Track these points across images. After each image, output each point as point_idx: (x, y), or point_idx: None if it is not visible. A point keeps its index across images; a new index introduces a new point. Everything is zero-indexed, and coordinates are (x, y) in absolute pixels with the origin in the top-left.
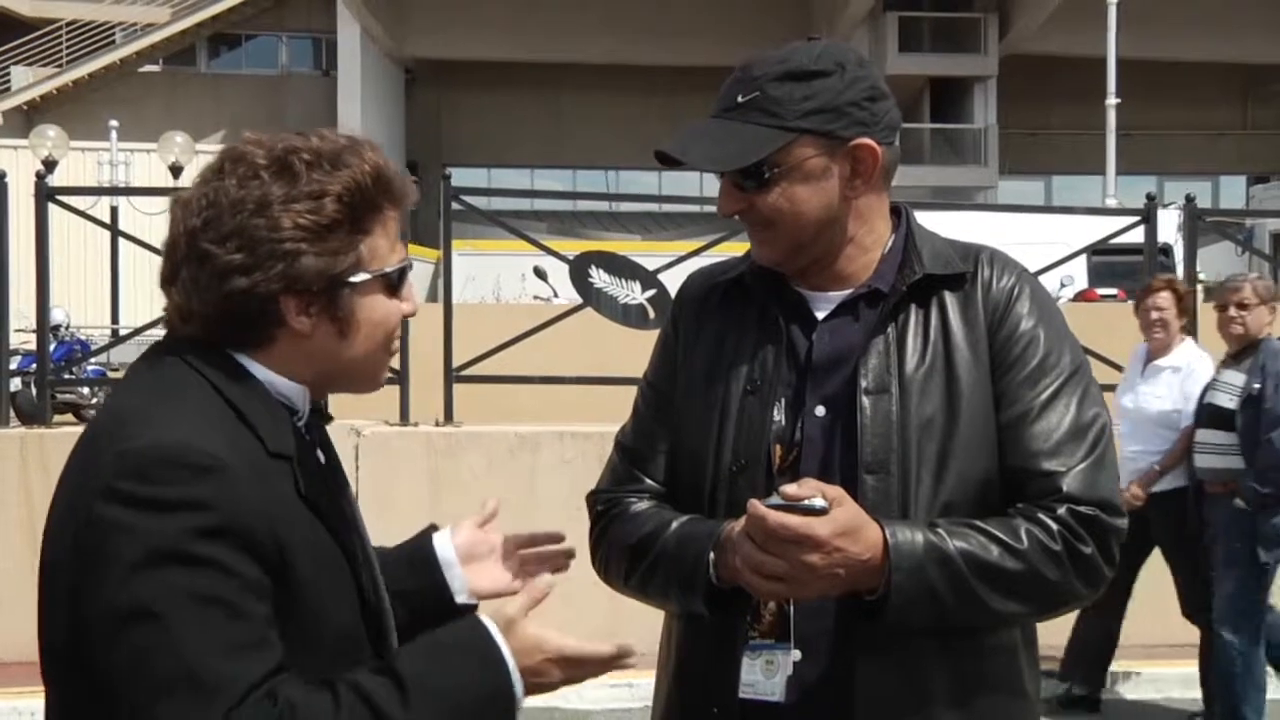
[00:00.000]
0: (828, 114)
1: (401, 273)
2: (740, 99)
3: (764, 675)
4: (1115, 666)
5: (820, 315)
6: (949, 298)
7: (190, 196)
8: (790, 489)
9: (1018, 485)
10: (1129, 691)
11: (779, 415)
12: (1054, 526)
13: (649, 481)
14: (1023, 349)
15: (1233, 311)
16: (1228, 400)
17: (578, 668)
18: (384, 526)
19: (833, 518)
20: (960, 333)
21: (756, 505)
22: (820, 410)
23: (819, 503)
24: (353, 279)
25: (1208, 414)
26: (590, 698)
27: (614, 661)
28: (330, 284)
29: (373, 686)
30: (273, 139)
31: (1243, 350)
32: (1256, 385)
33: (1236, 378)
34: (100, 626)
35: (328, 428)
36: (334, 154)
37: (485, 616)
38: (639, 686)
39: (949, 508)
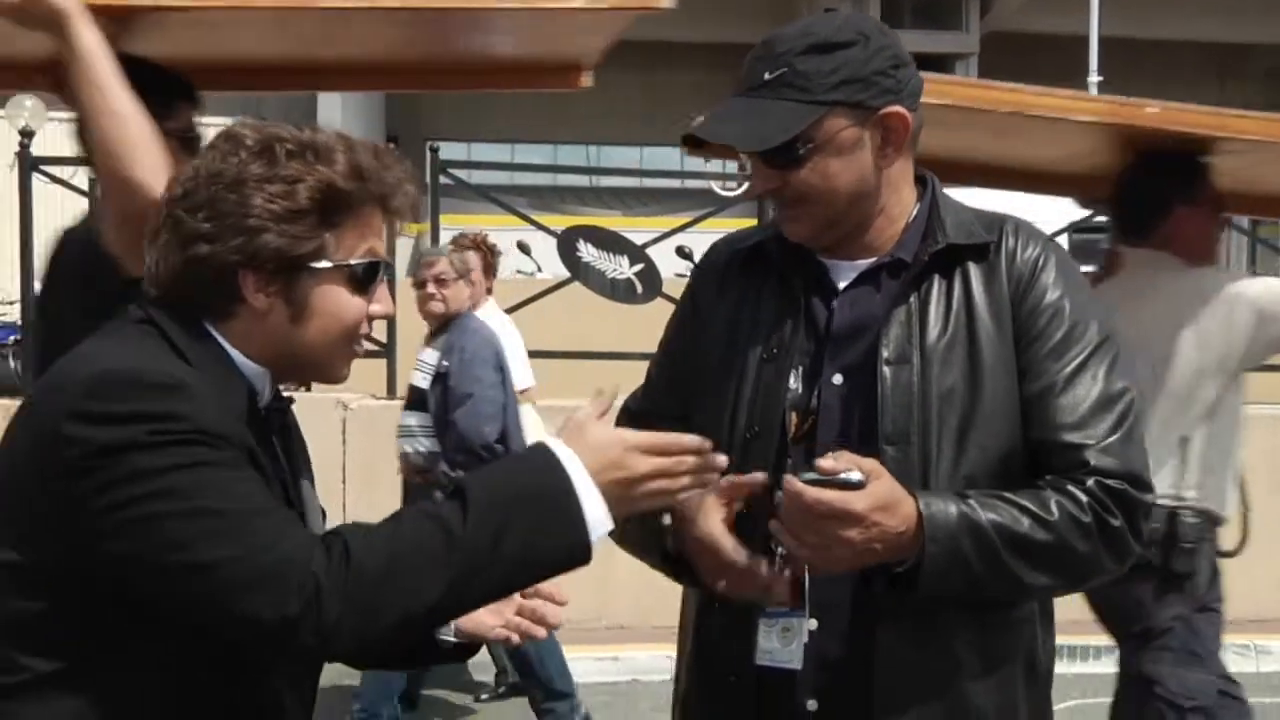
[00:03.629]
0: (856, 84)
1: (370, 269)
2: (767, 75)
3: (781, 643)
4: (1099, 640)
5: (841, 284)
6: (972, 268)
7: (184, 169)
8: (826, 462)
9: (1044, 457)
10: (1114, 665)
11: (795, 383)
12: (1083, 498)
13: None
14: (1048, 320)
15: (431, 289)
16: (423, 380)
17: (664, 455)
18: (370, 499)
19: (870, 491)
20: (983, 303)
21: (793, 481)
22: (838, 378)
23: (855, 476)
24: (312, 265)
25: (409, 395)
26: (577, 670)
27: (698, 453)
28: (288, 266)
29: (439, 507)
30: (268, 126)
31: (442, 327)
32: (445, 363)
33: (432, 356)
34: (137, 542)
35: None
36: (320, 148)
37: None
38: (625, 660)
39: (970, 480)
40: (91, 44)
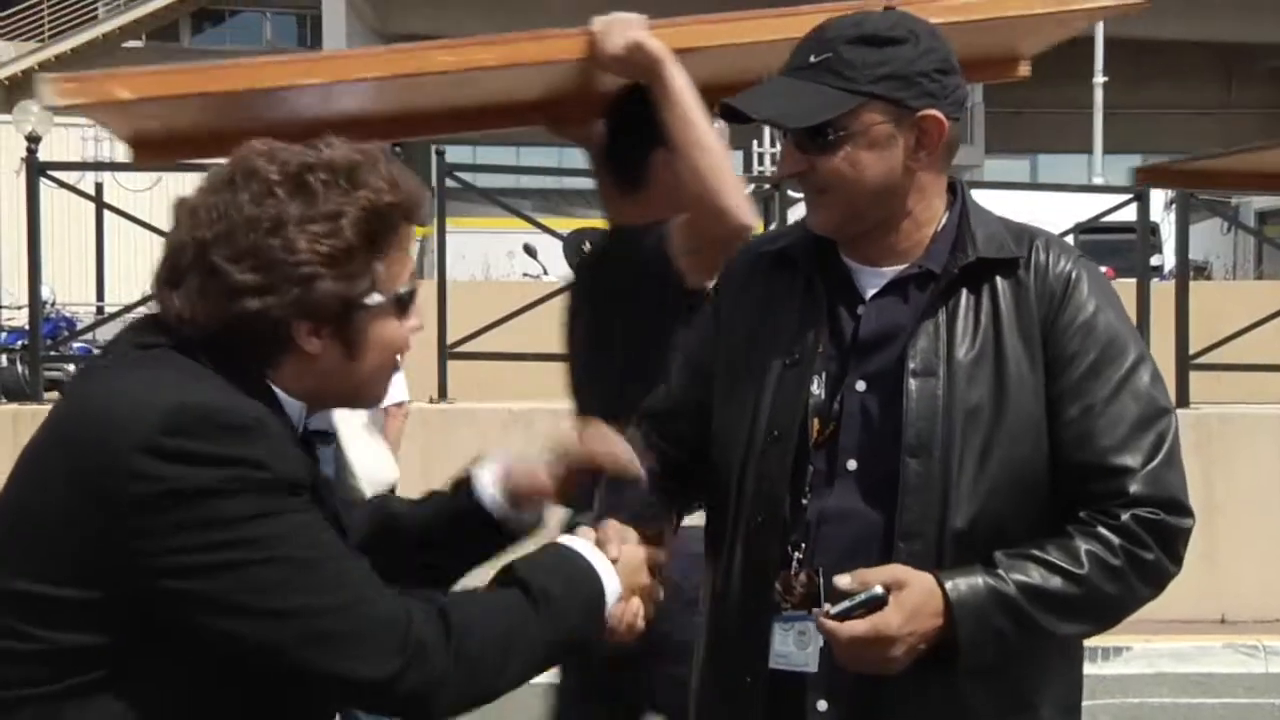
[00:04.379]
0: (898, 81)
1: (413, 293)
2: (812, 59)
3: (796, 646)
4: (1106, 641)
5: (868, 291)
6: (1001, 283)
7: (198, 204)
8: (843, 580)
9: (1083, 481)
10: (1120, 666)
11: (818, 389)
12: (1115, 541)
13: (655, 437)
14: (1083, 341)
15: None
16: None
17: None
18: None
19: (899, 604)
20: (1012, 320)
21: (824, 623)
22: (861, 385)
23: (878, 591)
24: (367, 302)
25: None
26: None
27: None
28: (345, 308)
29: (505, 588)
30: (284, 152)
31: None
32: None
33: None
34: (217, 588)
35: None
36: (350, 169)
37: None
38: None
39: (991, 496)
40: (683, 84)
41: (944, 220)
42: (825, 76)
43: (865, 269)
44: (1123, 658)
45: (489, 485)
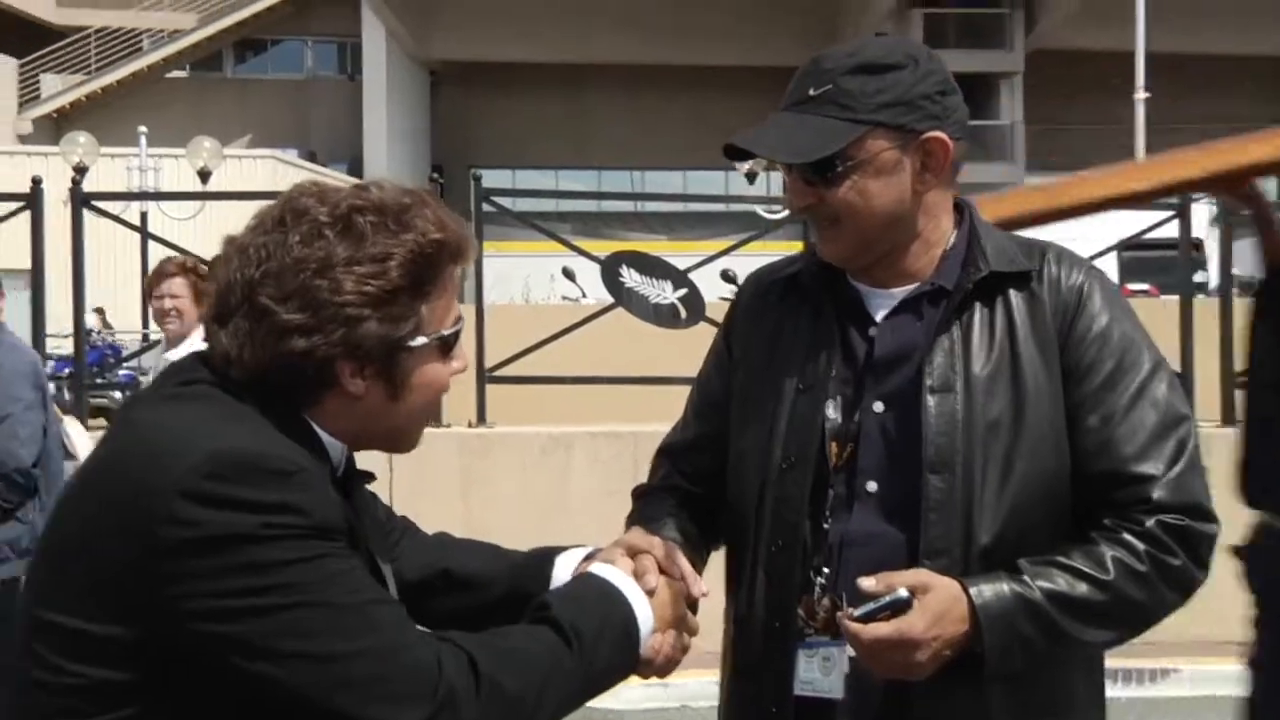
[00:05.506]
0: (900, 107)
1: (457, 335)
2: (812, 91)
3: (821, 672)
4: (1155, 664)
5: (880, 312)
6: (1014, 296)
7: (247, 243)
8: (867, 582)
9: (1105, 489)
10: (1169, 689)
11: (834, 413)
12: (1140, 546)
13: (676, 476)
14: (1098, 350)
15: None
16: None
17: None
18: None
19: (923, 608)
20: (1027, 332)
21: (848, 625)
22: (879, 406)
23: (903, 594)
24: (411, 344)
25: None
26: (624, 698)
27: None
28: (389, 349)
29: (541, 629)
30: (333, 193)
31: None
32: None
33: None
34: (252, 631)
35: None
36: (398, 212)
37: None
38: (674, 686)
39: (1015, 510)
40: None
41: (952, 239)
42: (827, 108)
43: (875, 291)
44: (1171, 680)
45: (566, 576)
